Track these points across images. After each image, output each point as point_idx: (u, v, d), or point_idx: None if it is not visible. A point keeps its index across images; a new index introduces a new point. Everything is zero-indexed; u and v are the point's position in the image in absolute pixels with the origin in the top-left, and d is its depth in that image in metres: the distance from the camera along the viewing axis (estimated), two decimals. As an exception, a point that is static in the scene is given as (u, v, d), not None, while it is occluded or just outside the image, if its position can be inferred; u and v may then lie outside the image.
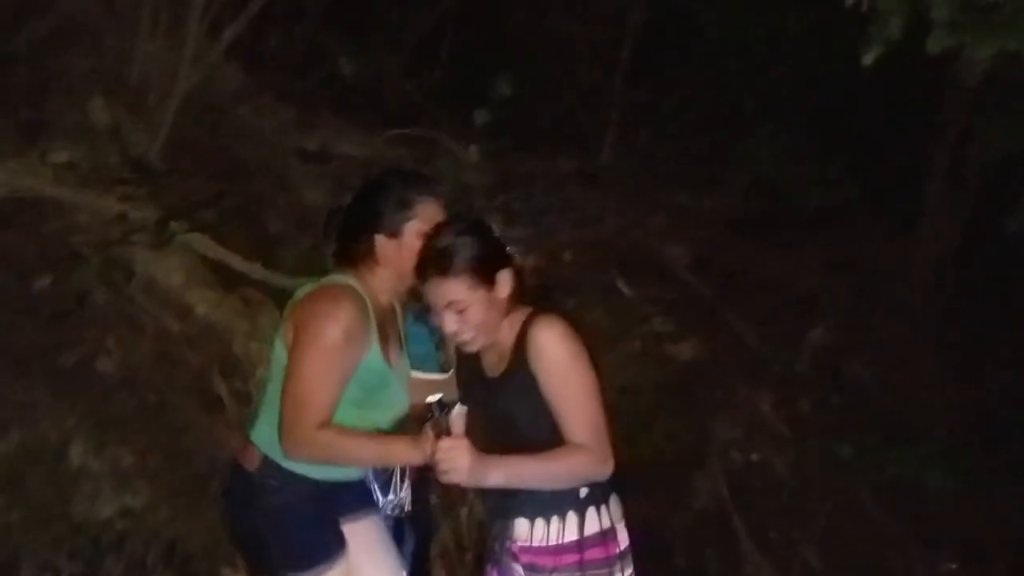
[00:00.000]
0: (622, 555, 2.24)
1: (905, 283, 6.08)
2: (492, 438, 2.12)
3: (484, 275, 2.13)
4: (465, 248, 2.13)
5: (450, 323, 2.14)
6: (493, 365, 2.22)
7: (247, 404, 3.46)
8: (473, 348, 2.19)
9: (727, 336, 4.78)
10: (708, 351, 4.63)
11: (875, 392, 5.13)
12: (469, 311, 2.12)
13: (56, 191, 3.52)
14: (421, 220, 2.21)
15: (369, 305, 2.21)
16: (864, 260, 5.92)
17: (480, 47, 5.97)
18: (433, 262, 2.12)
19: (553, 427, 2.15)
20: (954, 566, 4.63)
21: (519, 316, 2.19)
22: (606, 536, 2.22)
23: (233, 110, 4.67)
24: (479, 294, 2.12)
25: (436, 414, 2.06)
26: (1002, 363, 5.60)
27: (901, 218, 6.28)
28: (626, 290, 4.77)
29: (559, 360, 2.13)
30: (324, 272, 2.34)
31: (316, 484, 2.27)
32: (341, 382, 2.16)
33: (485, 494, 2.32)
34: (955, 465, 4.92)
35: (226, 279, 3.66)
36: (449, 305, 2.12)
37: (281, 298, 3.76)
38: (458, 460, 2.04)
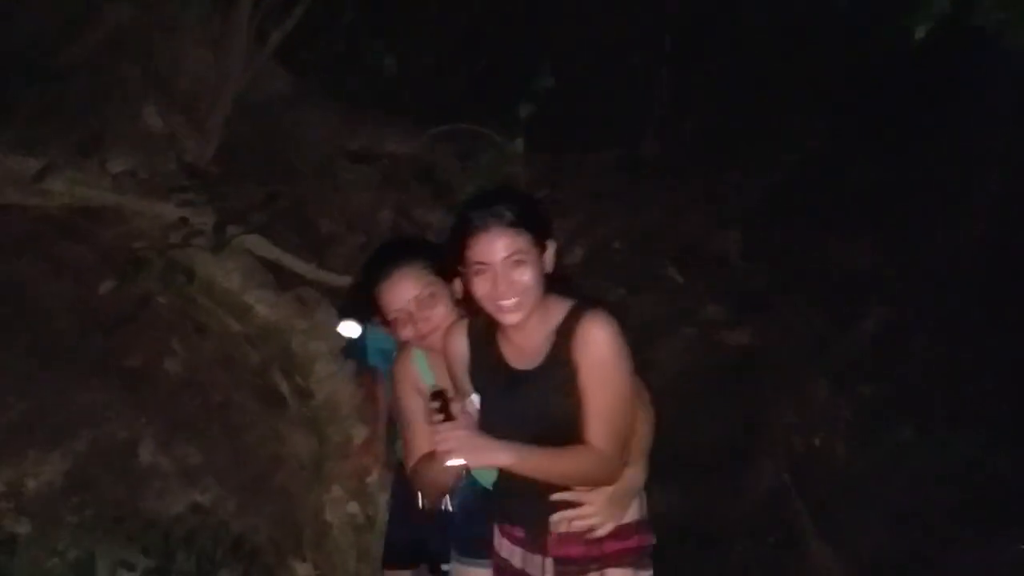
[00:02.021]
0: (651, 550, 2.24)
1: (963, 261, 5.94)
2: (520, 431, 2.06)
3: (541, 237, 2.06)
4: (526, 204, 2.07)
5: (506, 278, 2.01)
6: (521, 356, 2.13)
7: (307, 399, 3.53)
8: (514, 319, 2.06)
9: (782, 321, 4.72)
10: (763, 337, 4.58)
11: (936, 373, 5.03)
12: (528, 269, 2.02)
13: (116, 199, 3.60)
14: (384, 311, 2.36)
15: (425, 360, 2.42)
16: (919, 238, 5.80)
17: (521, 39, 5.95)
18: (488, 214, 2.02)
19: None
20: (1022, 548, 4.54)
21: (558, 306, 2.11)
22: (643, 526, 2.23)
23: (281, 113, 4.73)
24: (534, 254, 2.04)
25: (436, 404, 2.03)
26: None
27: (955, 194, 6.14)
28: (677, 278, 4.74)
29: (606, 360, 2.05)
30: None
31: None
32: None
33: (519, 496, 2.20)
34: (1019, 444, 4.82)
35: (282, 279, 3.72)
36: (509, 257, 2.01)
37: (335, 296, 3.83)
38: (461, 440, 2.00)
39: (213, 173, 3.84)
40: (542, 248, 2.06)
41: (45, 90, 3.85)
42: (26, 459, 2.85)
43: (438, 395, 2.04)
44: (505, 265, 2.01)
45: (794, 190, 5.66)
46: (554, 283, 2.12)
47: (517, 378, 2.11)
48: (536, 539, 2.19)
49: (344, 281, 3.91)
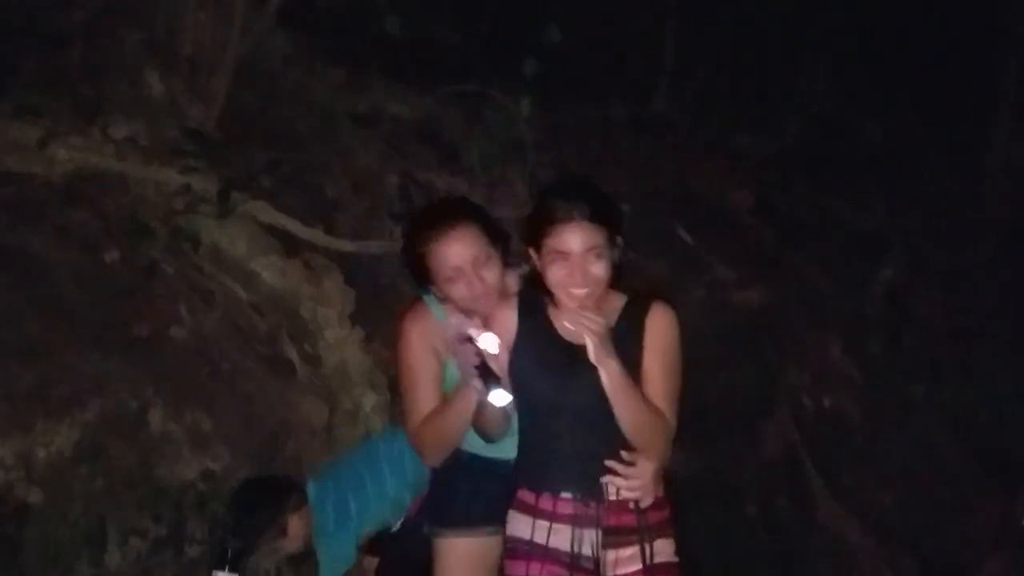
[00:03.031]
0: None
1: (974, 218, 5.89)
2: (574, 400, 2.16)
3: (614, 233, 2.18)
4: (609, 201, 2.21)
5: (586, 268, 2.13)
6: (578, 334, 2.18)
7: (317, 367, 3.52)
8: (589, 306, 2.17)
9: (793, 280, 4.70)
10: (774, 297, 4.55)
11: (946, 331, 5.01)
12: (603, 263, 2.15)
13: (119, 166, 3.56)
14: (435, 270, 2.36)
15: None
16: (930, 196, 5.75)
17: (527, -4, 5.84)
18: (576, 204, 2.14)
19: None
20: (1037, 505, 4.54)
21: (615, 294, 2.25)
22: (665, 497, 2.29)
23: (284, 76, 4.67)
24: (608, 248, 2.17)
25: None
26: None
27: (966, 151, 6.07)
28: (687, 238, 4.71)
29: (675, 348, 2.22)
30: None
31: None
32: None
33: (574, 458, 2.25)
34: (1032, 402, 4.81)
35: (288, 245, 3.69)
36: (589, 251, 2.13)
37: (343, 262, 3.81)
38: (592, 320, 2.08)
39: (216, 138, 3.79)
40: (615, 243, 2.19)
41: (45, 57, 3.79)
42: (35, 429, 2.84)
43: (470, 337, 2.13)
44: (583, 257, 2.14)
45: (804, 149, 5.61)
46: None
47: (575, 351, 2.17)
48: (587, 506, 2.21)
49: (352, 246, 3.88)
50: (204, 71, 4.11)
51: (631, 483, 2.18)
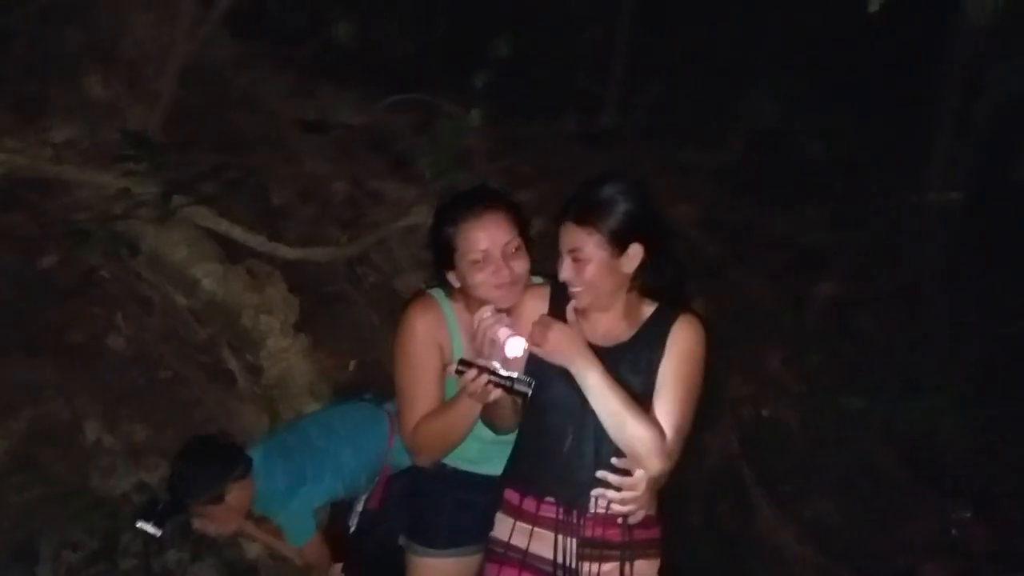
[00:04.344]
0: None
1: (913, 234, 6.03)
2: (581, 404, 2.10)
3: (616, 240, 2.11)
4: (608, 206, 2.10)
5: (565, 268, 2.13)
6: (606, 335, 2.18)
7: (258, 376, 3.48)
8: (579, 304, 2.15)
9: (735, 293, 4.76)
10: (715, 308, 4.61)
11: (885, 344, 5.12)
12: (587, 267, 2.11)
13: (57, 169, 3.50)
14: (463, 251, 2.26)
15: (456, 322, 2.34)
16: (871, 212, 5.88)
17: (479, 6, 5.87)
18: (573, 207, 2.13)
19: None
20: (967, 515, 4.65)
21: (646, 302, 2.21)
22: (656, 517, 2.23)
23: (231, 80, 4.62)
24: (602, 255, 2.11)
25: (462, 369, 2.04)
26: (1011, 312, 5.57)
27: (907, 168, 6.22)
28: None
29: (697, 357, 2.15)
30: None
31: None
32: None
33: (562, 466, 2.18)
34: (966, 414, 4.93)
35: (231, 252, 3.64)
36: (570, 252, 2.12)
37: (288, 269, 3.77)
38: (555, 332, 2.06)
39: (158, 142, 3.73)
40: (619, 251, 2.11)
41: (-18, 57, 3.71)
42: (-34, 438, 2.79)
43: (466, 364, 2.04)
44: (569, 258, 2.13)
45: (749, 163, 5.70)
46: (645, 287, 2.19)
47: (596, 352, 2.12)
48: (569, 515, 2.16)
49: (297, 254, 3.85)
50: (148, 73, 4.05)
51: (622, 495, 2.11)
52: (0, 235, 3.36)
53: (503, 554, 2.20)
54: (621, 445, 2.09)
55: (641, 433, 2.05)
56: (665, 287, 2.20)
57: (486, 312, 2.11)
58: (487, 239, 2.24)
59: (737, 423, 4.29)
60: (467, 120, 4.82)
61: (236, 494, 2.66)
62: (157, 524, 2.62)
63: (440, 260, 2.32)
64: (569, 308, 2.15)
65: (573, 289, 2.14)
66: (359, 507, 2.74)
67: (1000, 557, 4.54)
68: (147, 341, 3.27)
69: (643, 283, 2.18)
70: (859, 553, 4.26)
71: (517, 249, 2.27)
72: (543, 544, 2.17)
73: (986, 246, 5.72)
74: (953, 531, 4.66)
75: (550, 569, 2.16)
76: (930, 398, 4.94)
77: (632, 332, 2.19)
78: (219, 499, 2.64)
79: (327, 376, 3.56)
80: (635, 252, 2.12)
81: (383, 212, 4.27)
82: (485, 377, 2.02)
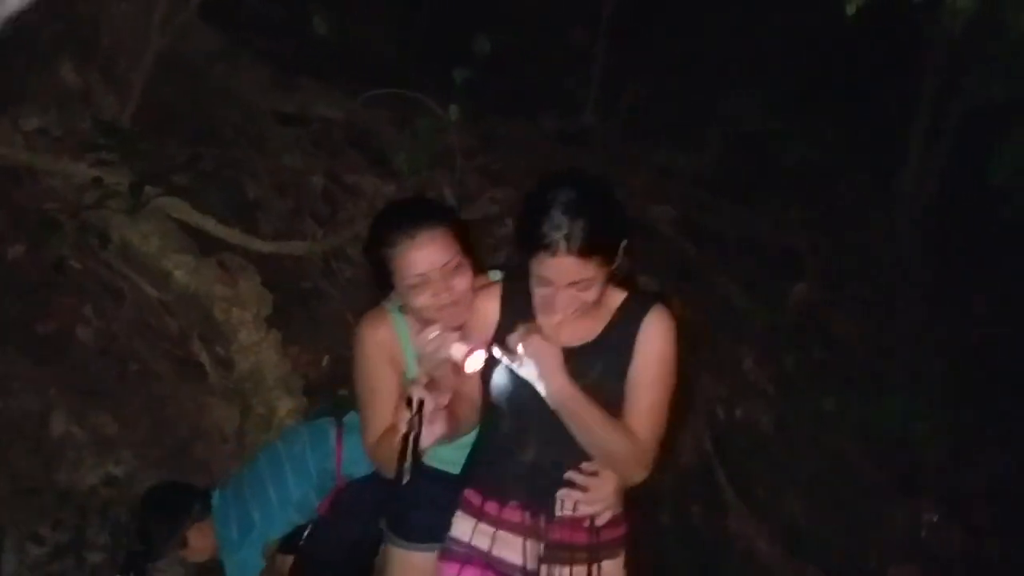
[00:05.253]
0: None
1: (887, 236, 6.09)
2: (544, 407, 2.01)
3: (612, 251, 1.98)
4: (596, 221, 1.92)
5: (567, 301, 1.97)
6: (568, 334, 2.05)
7: (229, 370, 3.44)
8: (572, 321, 2.03)
9: (710, 294, 4.78)
10: (690, 308, 4.63)
11: (858, 345, 5.16)
12: (591, 289, 1.97)
13: (27, 157, 3.44)
14: (400, 274, 2.16)
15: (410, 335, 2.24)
16: (846, 214, 5.93)
17: (460, 3, 5.86)
18: (561, 237, 1.90)
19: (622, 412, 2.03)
20: (936, 517, 4.70)
21: (612, 292, 2.07)
22: (624, 513, 2.18)
23: (208, 72, 4.57)
24: (603, 271, 1.97)
25: (410, 412, 1.94)
26: (984, 314, 5.64)
27: (882, 171, 6.28)
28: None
29: (669, 357, 2.04)
30: None
31: None
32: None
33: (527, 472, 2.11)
34: (938, 416, 4.98)
35: (204, 244, 3.60)
36: (573, 284, 1.95)
37: (262, 263, 3.73)
38: (534, 341, 1.95)
39: (132, 132, 3.68)
40: (614, 260, 1.99)
41: (-48, 42, 3.64)
42: (-70, 430, 2.74)
43: (409, 403, 1.94)
44: (570, 289, 1.96)
45: (727, 165, 5.73)
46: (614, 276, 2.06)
47: (564, 353, 2.01)
48: (536, 518, 2.10)
49: (270, 247, 3.81)
50: (123, 63, 4.00)
51: (590, 496, 2.05)
52: (-32, 225, 3.30)
53: (464, 554, 2.14)
54: (599, 459, 2.03)
55: (618, 447, 2.01)
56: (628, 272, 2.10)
57: (430, 334, 2.06)
58: (424, 262, 2.13)
59: (711, 423, 4.30)
60: (446, 116, 4.80)
61: (195, 535, 2.69)
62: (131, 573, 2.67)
63: (379, 281, 2.24)
64: (548, 324, 2.02)
65: (558, 316, 2.00)
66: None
67: (970, 560, 4.59)
68: (117, 333, 3.23)
69: (614, 273, 2.06)
70: (830, 554, 4.29)
71: (457, 267, 2.16)
72: (509, 548, 2.11)
73: (960, 249, 5.79)
74: (923, 533, 4.70)
75: (516, 574, 2.11)
76: (903, 400, 4.98)
77: (599, 328, 2.07)
78: (184, 543, 2.69)
79: (300, 371, 3.53)
80: (623, 248, 2.03)
81: (360, 207, 4.25)
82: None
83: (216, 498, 2.74)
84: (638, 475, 2.06)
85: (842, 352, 5.06)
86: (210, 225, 3.58)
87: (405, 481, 1.94)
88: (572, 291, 1.96)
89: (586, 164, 5.37)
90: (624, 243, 2.01)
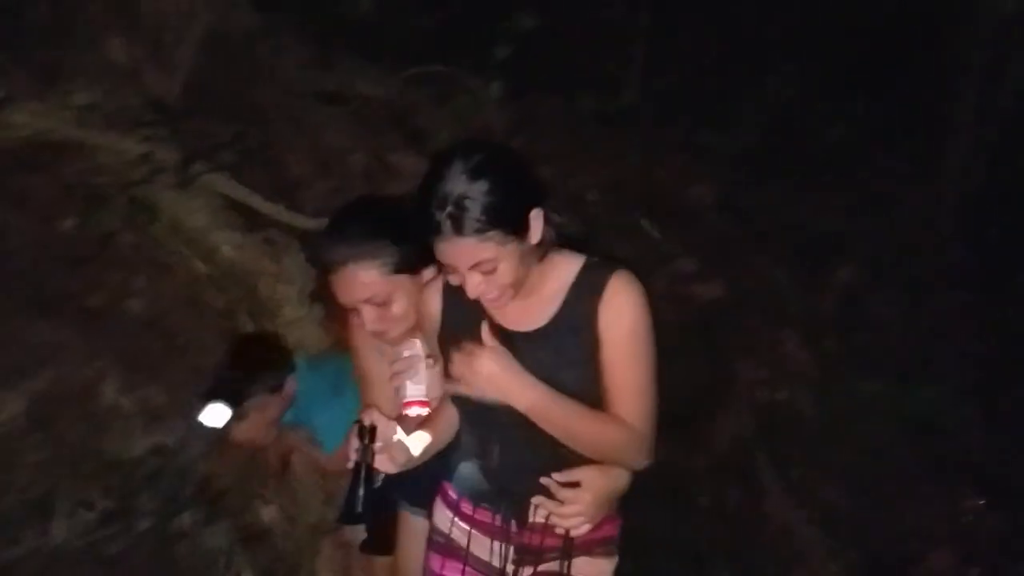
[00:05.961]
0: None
1: (929, 220, 6.01)
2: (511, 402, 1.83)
3: (514, 224, 1.74)
4: (485, 194, 1.70)
5: (474, 285, 1.77)
6: (515, 316, 1.87)
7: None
8: (503, 305, 1.85)
9: (751, 276, 4.75)
10: (732, 291, 4.60)
11: (900, 330, 5.10)
12: (499, 270, 1.75)
13: (78, 133, 3.49)
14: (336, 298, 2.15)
15: None
16: (887, 197, 5.85)
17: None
18: (445, 217, 1.70)
19: (596, 399, 1.83)
20: (981, 502, 4.65)
21: (566, 261, 1.86)
22: (615, 513, 2.02)
23: (251, 50, 4.61)
24: (510, 248, 1.74)
25: (362, 442, 1.84)
26: (1026, 300, 5.55)
27: (925, 154, 6.18)
28: (650, 230, 4.73)
29: (641, 329, 1.81)
30: None
31: None
32: None
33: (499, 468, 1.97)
34: (979, 402, 4.92)
35: (249, 220, 3.64)
36: (475, 267, 1.75)
37: (304, 239, 3.77)
38: (483, 364, 1.76)
39: (178, 109, 3.73)
40: (522, 232, 1.77)
41: (4, 18, 3.70)
42: (-16, 397, 2.80)
43: (362, 432, 1.84)
44: (474, 272, 1.76)
45: (768, 147, 5.67)
46: (561, 241, 1.87)
47: (512, 340, 1.84)
48: (507, 523, 1.97)
49: (314, 224, 3.85)
50: (168, 41, 4.04)
51: (564, 511, 1.86)
52: (20, 199, 3.35)
53: (445, 545, 2.06)
54: (592, 457, 1.86)
55: (608, 440, 1.83)
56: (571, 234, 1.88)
57: (400, 363, 2.07)
58: (345, 296, 2.09)
59: (751, 406, 4.29)
60: (486, 94, 4.80)
61: (288, 387, 2.77)
62: (232, 403, 2.66)
63: None
64: (484, 330, 1.81)
65: (491, 298, 1.80)
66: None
67: (1010, 547, 4.54)
68: (165, 306, 3.27)
69: (550, 242, 1.84)
70: (869, 537, 4.26)
71: (388, 295, 2.05)
72: (482, 548, 2.02)
73: (1003, 233, 5.69)
74: (962, 519, 4.65)
75: (488, 572, 2.01)
76: (944, 385, 4.93)
77: (554, 309, 1.85)
78: (279, 387, 2.75)
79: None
80: (535, 218, 1.78)
81: (400, 185, 4.26)
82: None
83: (302, 367, 2.83)
84: (639, 464, 1.89)
85: (883, 337, 5.01)
86: (256, 201, 3.62)
87: (359, 512, 1.84)
88: (477, 275, 1.76)
89: (627, 142, 5.35)
90: (535, 211, 1.78)
